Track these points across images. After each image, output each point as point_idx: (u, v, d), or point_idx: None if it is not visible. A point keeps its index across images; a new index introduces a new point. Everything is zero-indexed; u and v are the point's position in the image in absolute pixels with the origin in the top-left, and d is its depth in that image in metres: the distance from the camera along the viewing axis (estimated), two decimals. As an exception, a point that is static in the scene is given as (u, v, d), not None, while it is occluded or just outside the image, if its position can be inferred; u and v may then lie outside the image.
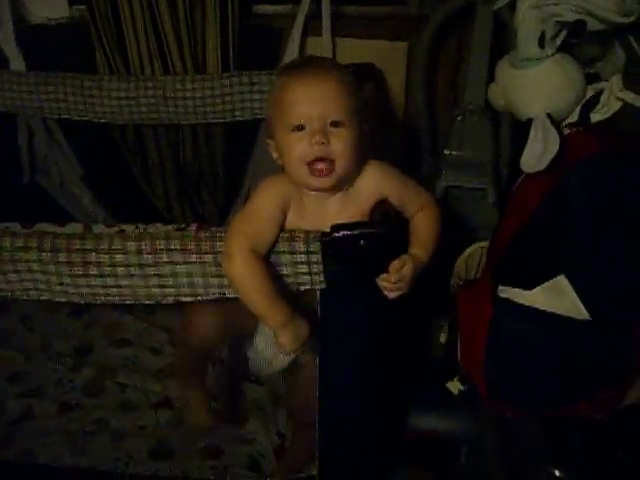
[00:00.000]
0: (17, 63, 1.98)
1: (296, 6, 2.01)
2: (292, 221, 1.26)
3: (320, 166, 1.22)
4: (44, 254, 1.17)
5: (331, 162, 1.22)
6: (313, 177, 1.23)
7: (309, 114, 1.22)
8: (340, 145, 1.22)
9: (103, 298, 1.21)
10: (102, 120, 1.97)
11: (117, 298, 1.21)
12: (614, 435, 1.54)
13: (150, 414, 1.78)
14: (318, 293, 1.20)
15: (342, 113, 1.23)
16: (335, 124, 1.23)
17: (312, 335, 1.20)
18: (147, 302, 1.21)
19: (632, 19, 1.26)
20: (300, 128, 1.23)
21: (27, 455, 1.66)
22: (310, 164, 1.23)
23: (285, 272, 1.16)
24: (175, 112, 1.94)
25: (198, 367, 1.69)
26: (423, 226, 1.32)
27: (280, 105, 1.26)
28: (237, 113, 1.94)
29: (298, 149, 1.23)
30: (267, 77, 1.90)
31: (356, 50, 2.05)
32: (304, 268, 1.15)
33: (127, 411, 1.79)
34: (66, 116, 1.99)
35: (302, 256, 1.14)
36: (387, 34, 2.10)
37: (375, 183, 1.31)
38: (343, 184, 1.28)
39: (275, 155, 1.31)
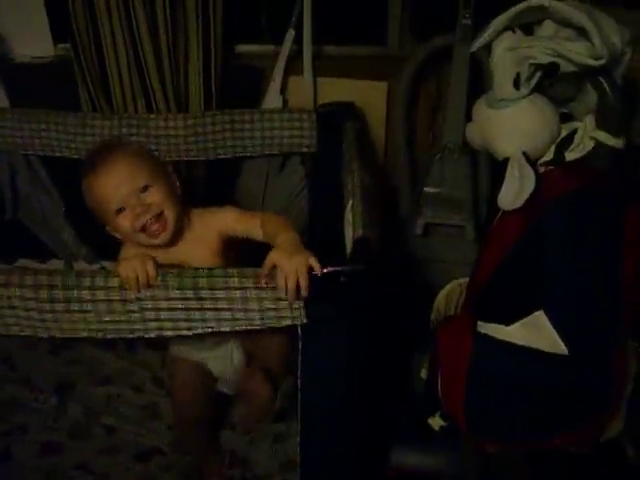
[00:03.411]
0: (1, 100, 1.99)
1: (278, 46, 2.05)
2: None
3: (154, 227, 1.44)
4: (25, 290, 1.16)
5: (160, 216, 1.45)
6: (153, 237, 1.45)
7: (120, 197, 1.42)
8: (158, 198, 1.44)
9: (85, 333, 1.21)
10: (85, 157, 1.98)
11: (99, 333, 1.21)
12: (595, 468, 1.55)
13: (137, 460, 1.76)
14: (299, 328, 1.21)
15: (144, 178, 1.44)
16: (144, 189, 1.44)
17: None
18: (130, 336, 1.22)
19: (602, 62, 1.29)
20: (121, 210, 1.43)
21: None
22: (144, 230, 1.44)
23: (267, 307, 1.16)
24: (157, 150, 1.94)
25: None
26: (269, 227, 1.43)
27: (96, 203, 1.46)
28: (219, 151, 1.95)
29: (128, 224, 1.44)
30: (249, 116, 1.93)
31: (337, 89, 2.09)
32: (285, 304, 1.16)
33: (112, 455, 1.76)
34: (49, 153, 1.99)
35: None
36: (367, 74, 2.14)
37: (212, 226, 1.52)
38: (181, 231, 1.51)
39: (117, 235, 1.51)
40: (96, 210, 1.48)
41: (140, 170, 1.44)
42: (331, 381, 1.29)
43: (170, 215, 1.46)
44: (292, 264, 1.14)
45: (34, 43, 2.09)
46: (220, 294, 1.15)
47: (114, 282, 1.17)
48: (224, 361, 1.61)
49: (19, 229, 2.18)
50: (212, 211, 1.56)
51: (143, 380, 1.96)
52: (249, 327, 1.20)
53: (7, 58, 2.05)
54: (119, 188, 1.42)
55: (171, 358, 1.68)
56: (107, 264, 2.12)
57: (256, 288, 1.15)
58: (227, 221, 1.53)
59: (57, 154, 1.99)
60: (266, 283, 1.16)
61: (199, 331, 1.20)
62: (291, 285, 1.13)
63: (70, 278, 1.17)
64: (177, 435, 1.76)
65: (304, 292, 1.14)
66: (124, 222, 1.43)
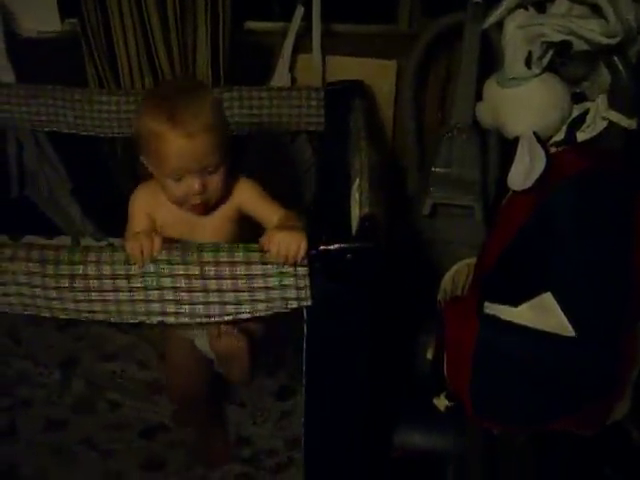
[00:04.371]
0: (7, 75, 1.98)
1: (287, 24, 2.03)
2: (164, 226, 1.40)
3: (197, 208, 1.38)
4: (31, 265, 1.15)
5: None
6: (191, 207, 1.38)
7: (188, 171, 1.31)
8: (218, 182, 1.36)
9: (89, 315, 1.19)
10: (91, 133, 1.97)
11: (102, 315, 1.19)
12: (600, 451, 1.55)
13: (141, 436, 1.77)
14: (305, 311, 1.19)
15: (216, 160, 1.33)
16: (210, 172, 1.34)
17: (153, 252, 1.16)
18: (131, 320, 1.19)
19: (616, 40, 1.27)
20: (179, 178, 1.33)
21: (10, 469, 1.65)
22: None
23: (272, 285, 1.15)
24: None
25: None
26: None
27: (156, 154, 1.32)
28: (227, 127, 1.94)
29: (178, 193, 1.35)
30: (257, 93, 1.92)
31: (346, 67, 2.08)
32: (291, 281, 1.14)
33: (117, 431, 1.77)
34: (55, 129, 1.99)
35: (289, 269, 1.14)
36: (377, 52, 2.12)
37: (235, 196, 1.43)
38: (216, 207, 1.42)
39: (150, 169, 1.38)
40: (146, 152, 1.35)
41: (219, 148, 1.32)
42: (336, 361, 1.29)
43: (215, 200, 1.39)
44: (286, 235, 1.13)
45: (41, 18, 2.07)
46: (225, 271, 1.13)
47: (120, 257, 1.15)
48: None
49: (26, 206, 2.18)
50: (240, 181, 1.46)
51: (149, 356, 1.97)
52: (254, 313, 1.17)
53: (14, 33, 2.03)
54: (193, 163, 1.30)
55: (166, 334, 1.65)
56: (114, 240, 2.12)
57: (262, 263, 1.13)
58: (249, 197, 1.44)
59: (64, 130, 1.99)
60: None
61: (203, 319, 1.18)
62: (283, 251, 1.12)
63: (76, 253, 1.16)
64: (176, 410, 1.77)
65: (297, 258, 1.13)
66: (177, 189, 1.34)
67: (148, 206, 1.42)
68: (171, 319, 1.18)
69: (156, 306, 1.17)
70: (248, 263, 1.13)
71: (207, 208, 1.40)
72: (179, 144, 1.28)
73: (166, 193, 1.37)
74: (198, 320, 1.18)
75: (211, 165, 1.32)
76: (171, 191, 1.35)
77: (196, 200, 1.35)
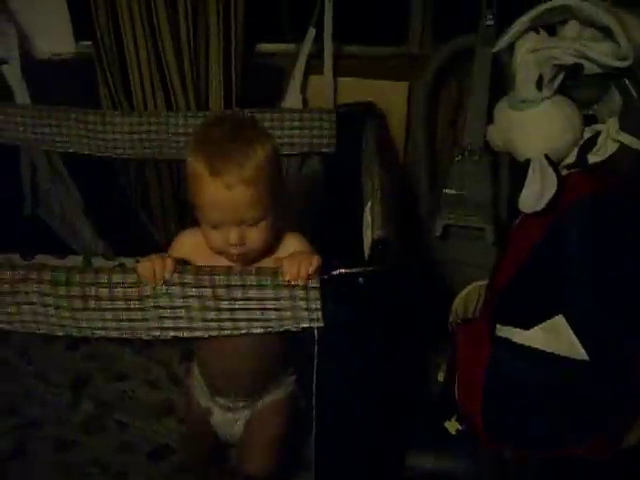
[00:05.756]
0: (22, 97, 2.00)
1: (299, 45, 2.04)
2: None
3: (234, 257, 1.29)
4: (43, 286, 1.16)
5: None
6: (229, 257, 1.30)
7: (226, 222, 1.25)
8: (260, 236, 1.28)
9: (102, 332, 1.20)
10: (104, 154, 1.99)
11: (115, 332, 1.20)
12: (613, 476, 1.53)
13: (151, 458, 1.76)
14: (316, 332, 1.19)
15: (256, 214, 1.26)
16: (250, 224, 1.27)
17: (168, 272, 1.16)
18: (145, 337, 1.21)
19: (628, 63, 1.27)
20: (216, 227, 1.27)
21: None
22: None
23: (283, 306, 1.16)
24: (177, 147, 1.95)
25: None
26: None
27: (198, 199, 1.27)
28: (239, 149, 1.95)
29: (216, 243, 1.29)
30: (269, 115, 1.93)
31: (357, 89, 2.08)
32: (302, 304, 1.15)
33: (127, 453, 1.76)
34: (69, 150, 2.01)
35: (301, 292, 1.14)
36: (388, 74, 2.13)
37: (281, 252, 1.34)
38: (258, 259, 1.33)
39: (195, 211, 1.32)
40: (191, 190, 1.29)
41: (261, 202, 1.25)
42: (347, 382, 1.28)
43: (252, 255, 1.31)
44: (298, 257, 1.15)
45: (55, 40, 2.09)
46: (237, 292, 1.14)
47: (132, 278, 1.16)
48: (227, 422, 1.54)
49: (38, 225, 2.20)
50: (288, 237, 1.38)
51: (159, 376, 1.96)
52: (266, 329, 1.18)
53: (28, 55, 2.05)
54: (229, 214, 1.24)
55: (187, 388, 1.62)
56: (126, 260, 2.13)
57: (274, 287, 1.14)
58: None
59: (77, 151, 2.00)
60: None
61: (214, 333, 1.19)
62: (295, 266, 1.13)
63: (88, 275, 1.17)
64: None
65: (310, 274, 1.13)
66: (215, 238, 1.28)
67: (189, 252, 1.36)
68: (184, 333, 1.20)
69: (169, 322, 1.19)
70: (260, 287, 1.14)
71: (247, 260, 1.32)
72: (216, 193, 1.22)
73: (205, 239, 1.31)
74: (211, 334, 1.20)
75: (250, 219, 1.25)
76: (209, 238, 1.30)
77: (234, 250, 1.28)
